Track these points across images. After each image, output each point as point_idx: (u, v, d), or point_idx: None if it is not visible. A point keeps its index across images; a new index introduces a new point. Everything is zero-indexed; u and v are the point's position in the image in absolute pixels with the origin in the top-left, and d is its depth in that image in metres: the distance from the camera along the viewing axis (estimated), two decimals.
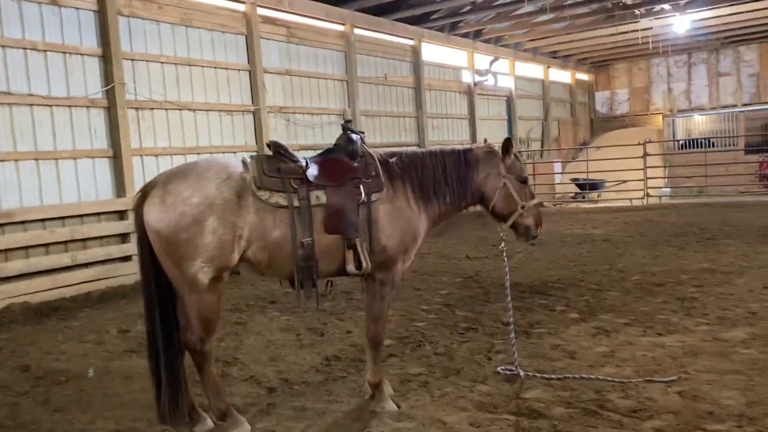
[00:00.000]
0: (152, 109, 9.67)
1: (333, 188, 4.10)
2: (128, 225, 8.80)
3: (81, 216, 8.61)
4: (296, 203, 3.98)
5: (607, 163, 18.66)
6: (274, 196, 3.96)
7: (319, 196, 4.06)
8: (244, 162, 4.05)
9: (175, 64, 10.05)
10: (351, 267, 4.11)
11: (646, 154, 17.28)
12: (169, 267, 3.87)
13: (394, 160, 4.39)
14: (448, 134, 16.85)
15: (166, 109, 9.84)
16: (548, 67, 22.86)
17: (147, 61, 9.63)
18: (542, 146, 22.35)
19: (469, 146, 4.67)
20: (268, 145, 4.19)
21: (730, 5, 16.58)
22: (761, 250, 9.45)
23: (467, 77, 18.05)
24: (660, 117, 25.11)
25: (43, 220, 8.23)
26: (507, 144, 4.53)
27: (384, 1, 13.67)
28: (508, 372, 4.88)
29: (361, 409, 4.36)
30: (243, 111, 11.18)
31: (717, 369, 4.75)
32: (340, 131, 4.44)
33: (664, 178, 19.74)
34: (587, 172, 20.06)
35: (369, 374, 4.39)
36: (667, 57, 25.08)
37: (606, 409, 4.15)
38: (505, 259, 4.90)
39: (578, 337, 5.79)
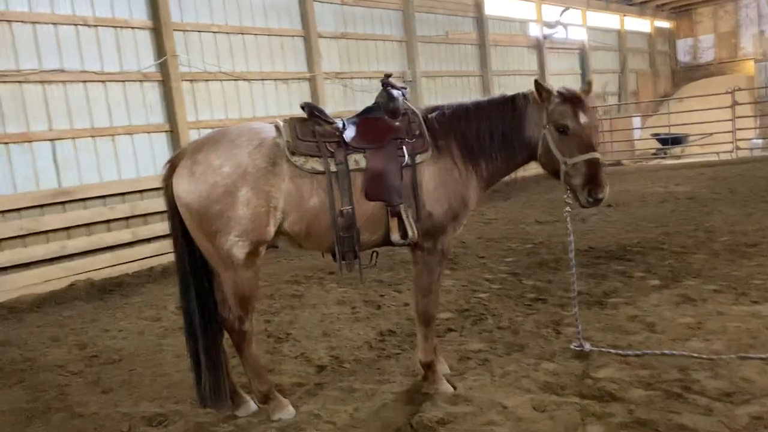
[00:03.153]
0: (207, 80, 9.49)
1: (373, 150, 3.70)
2: None
3: (140, 191, 8.58)
4: (333, 168, 3.61)
5: (691, 115, 17.37)
6: (310, 162, 3.60)
7: (358, 160, 3.67)
8: (277, 127, 3.71)
9: (228, 33, 9.81)
10: (396, 236, 3.72)
11: (734, 104, 15.92)
12: (203, 242, 3.60)
13: (434, 115, 3.92)
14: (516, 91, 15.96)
15: (220, 80, 9.65)
16: (624, 15, 21.40)
17: (199, 31, 9.44)
18: (619, 100, 21.07)
19: (515, 93, 4.08)
20: (302, 107, 3.81)
21: None
22: None
23: (535, 30, 17.07)
24: (750, 63, 23.16)
25: (103, 196, 8.23)
26: (538, 87, 3.82)
27: None
28: (578, 348, 4.40)
29: (414, 391, 4.01)
30: (299, 78, 10.88)
31: None
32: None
33: (756, 128, 18.22)
34: (669, 126, 18.76)
35: (420, 353, 4.02)
36: None
37: (692, 391, 3.64)
38: (569, 224, 4.30)
39: (659, 306, 5.21)
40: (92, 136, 8.19)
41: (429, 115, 3.91)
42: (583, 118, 3.79)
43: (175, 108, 8.88)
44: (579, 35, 18.97)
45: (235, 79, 9.85)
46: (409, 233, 3.68)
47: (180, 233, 3.66)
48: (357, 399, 3.99)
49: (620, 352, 4.29)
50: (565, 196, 4.04)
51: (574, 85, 14.82)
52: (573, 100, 3.81)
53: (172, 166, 3.63)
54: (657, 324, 4.80)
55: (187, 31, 9.27)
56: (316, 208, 3.61)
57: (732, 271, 5.97)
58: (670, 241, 7.56)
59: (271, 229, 3.59)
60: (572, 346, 4.43)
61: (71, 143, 8.00)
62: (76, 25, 8.05)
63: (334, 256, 3.78)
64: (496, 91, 15.10)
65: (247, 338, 3.74)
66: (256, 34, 10.21)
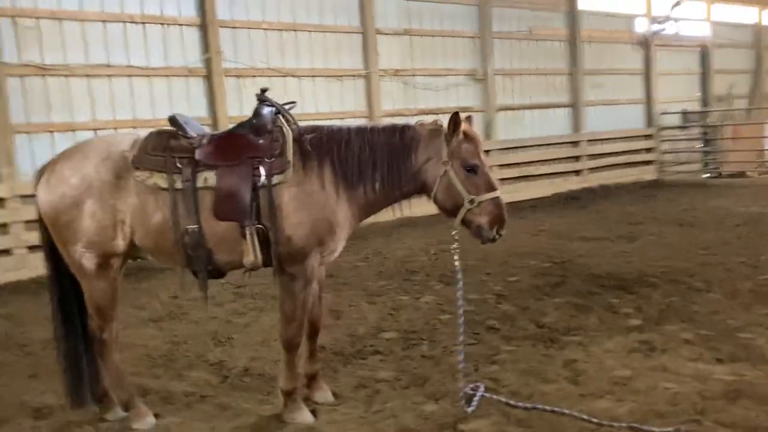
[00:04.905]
0: (254, 76, 9.74)
1: (225, 168, 3.60)
2: None
3: None
4: (179, 185, 3.57)
5: None
6: (154, 177, 3.58)
7: (207, 178, 3.59)
8: (136, 140, 3.73)
9: (279, 30, 10.00)
10: (248, 259, 3.60)
11: None
12: (62, 250, 3.72)
13: (310, 136, 3.74)
14: (613, 93, 14.87)
15: (268, 77, 9.86)
16: (763, 8, 19.08)
17: (248, 28, 9.70)
18: (749, 104, 18.90)
19: (410, 123, 3.84)
20: (169, 119, 3.79)
21: None
22: None
23: (642, 26, 15.71)
24: None
25: None
26: (453, 120, 3.64)
27: None
28: (471, 392, 4.04)
29: (276, 417, 3.89)
30: (354, 76, 10.85)
31: (744, 422, 3.46)
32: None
33: None
34: None
35: (281, 380, 3.88)
36: None
37: None
38: (457, 263, 3.96)
39: (610, 353, 4.65)
40: (134, 127, 8.71)
41: (304, 136, 3.74)
42: (483, 156, 3.73)
43: (216, 103, 9.22)
44: (700, 31, 17.20)
45: (283, 76, 10.02)
46: (250, 258, 3.55)
47: (46, 240, 3.78)
48: (223, 417, 3.95)
49: (511, 402, 3.88)
50: (455, 233, 3.77)
51: (688, 86, 13.73)
52: (474, 138, 3.72)
53: (39, 174, 3.77)
54: (585, 374, 4.29)
55: (236, 27, 9.56)
56: (159, 224, 3.59)
57: (728, 318, 5.19)
58: (701, 272, 6.72)
59: (120, 242, 3.63)
60: (467, 389, 4.07)
61: (113, 132, 8.58)
62: (123, 22, 8.59)
63: (194, 273, 3.75)
64: (588, 92, 14.22)
65: (107, 346, 3.82)
66: (309, 31, 10.32)
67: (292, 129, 3.75)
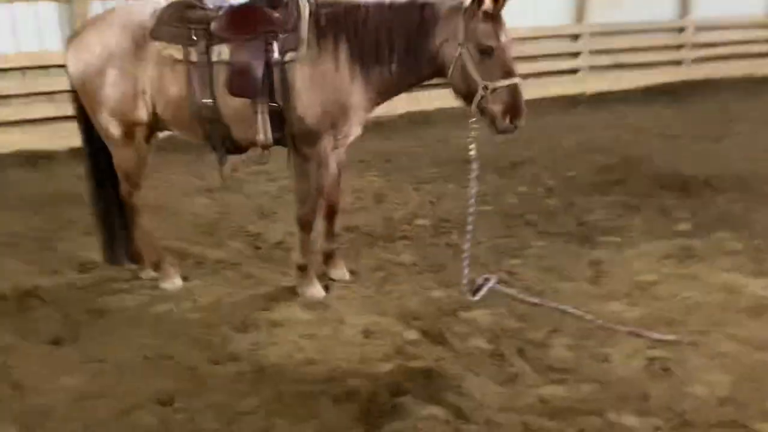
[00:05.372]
0: None
1: (239, 43, 3.55)
2: None
3: None
4: (194, 58, 3.57)
5: None
6: (169, 48, 3.60)
7: (221, 52, 3.57)
8: (156, 9, 3.72)
9: None
10: (261, 136, 3.62)
11: None
12: (91, 118, 3.88)
13: (326, 11, 3.58)
14: None
15: None
16: None
17: None
18: None
19: (424, 1, 3.56)
20: None
21: None
22: None
23: None
24: None
25: None
26: None
27: None
28: (483, 281, 4.03)
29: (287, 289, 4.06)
30: None
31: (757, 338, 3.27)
32: None
33: None
34: None
35: (295, 255, 4.00)
36: None
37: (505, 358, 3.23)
38: (473, 153, 3.79)
39: (643, 256, 4.48)
40: None
41: (321, 11, 3.60)
42: (504, 38, 3.43)
43: None
44: None
45: None
46: (260, 136, 3.57)
47: (79, 108, 3.94)
48: (243, 285, 4.17)
49: (518, 296, 3.85)
50: (472, 120, 3.61)
51: None
52: (495, 17, 3.41)
53: (68, 43, 3.87)
54: (608, 275, 4.18)
55: None
56: (176, 97, 3.65)
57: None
58: None
59: (142, 112, 3.73)
60: (478, 279, 4.06)
61: None
62: None
63: (212, 147, 3.84)
64: None
65: (136, 210, 4.05)
66: None
67: (309, 3, 3.62)
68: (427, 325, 3.56)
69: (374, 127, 8.80)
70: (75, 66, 3.74)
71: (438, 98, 9.96)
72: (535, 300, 3.78)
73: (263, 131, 3.57)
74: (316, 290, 3.95)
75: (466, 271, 3.86)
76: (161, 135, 4.20)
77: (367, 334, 3.49)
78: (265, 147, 3.66)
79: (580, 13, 11.55)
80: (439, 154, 7.73)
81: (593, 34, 11.78)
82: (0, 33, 7.09)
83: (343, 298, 3.93)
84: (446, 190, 6.19)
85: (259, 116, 3.55)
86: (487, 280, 4.04)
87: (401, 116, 9.61)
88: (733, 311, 3.59)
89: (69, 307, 3.87)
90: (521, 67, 11.81)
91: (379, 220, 5.35)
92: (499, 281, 4.05)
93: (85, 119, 3.93)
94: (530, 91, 10.61)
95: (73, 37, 3.86)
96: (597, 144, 7.99)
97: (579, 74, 11.65)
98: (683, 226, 5.02)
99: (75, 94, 3.88)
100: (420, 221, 5.33)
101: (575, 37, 11.61)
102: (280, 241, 4.88)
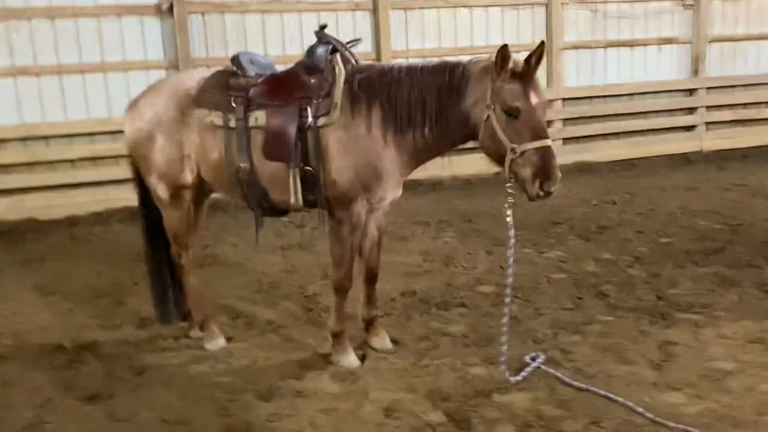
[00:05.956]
0: (422, 8, 9.48)
1: (275, 108, 3.59)
2: None
3: None
4: (233, 124, 3.65)
5: None
6: (211, 115, 3.70)
7: (258, 117, 3.62)
8: (201, 78, 3.85)
9: None
10: (291, 200, 3.61)
11: None
12: (144, 180, 4.05)
13: (360, 76, 3.55)
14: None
15: (437, 8, 9.54)
16: None
17: None
18: None
19: (466, 60, 3.43)
20: (231, 59, 3.86)
21: None
22: None
23: None
24: None
25: None
26: (501, 55, 3.19)
27: None
28: (529, 359, 3.70)
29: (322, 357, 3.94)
30: (532, 4, 10.04)
31: None
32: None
33: None
34: None
35: (330, 322, 3.89)
36: None
37: None
38: (509, 218, 3.51)
39: (723, 339, 3.95)
40: None
41: (355, 76, 3.57)
42: (534, 99, 3.25)
43: (381, 37, 9.18)
44: None
45: (453, 7, 9.62)
46: (292, 200, 3.55)
47: (135, 171, 4.13)
48: (283, 349, 4.11)
49: (565, 378, 3.48)
50: (508, 185, 3.39)
51: None
52: (524, 76, 3.24)
53: (127, 109, 4.09)
54: (675, 360, 3.70)
55: None
56: (217, 161, 3.73)
57: None
58: None
59: (188, 176, 3.85)
60: (526, 357, 3.73)
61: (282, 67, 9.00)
62: None
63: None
64: None
65: (185, 270, 4.15)
66: None
67: (346, 69, 3.60)
68: (455, 406, 3.29)
69: (461, 186, 8.73)
70: (129, 131, 3.95)
71: None
72: (582, 385, 3.39)
73: (294, 194, 3.55)
74: (350, 359, 3.81)
75: (504, 348, 3.55)
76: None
77: (388, 412, 3.28)
78: (297, 210, 3.64)
79: (696, 66, 10.86)
80: (524, 216, 7.37)
81: (710, 89, 11.01)
82: (117, 97, 7.73)
83: (375, 370, 3.74)
84: (522, 255, 5.85)
85: (291, 179, 3.54)
86: (534, 358, 3.70)
87: (497, 174, 9.40)
88: None
89: (115, 363, 3.99)
90: (635, 124, 11.42)
91: (440, 285, 5.14)
92: (547, 360, 3.69)
93: (140, 182, 4.11)
94: (643, 149, 10.28)
95: (129, 104, 4.08)
96: (704, 207, 7.34)
97: (695, 131, 10.88)
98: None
99: (131, 158, 4.07)
100: (483, 288, 5.06)
101: (691, 92, 10.90)
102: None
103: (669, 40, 10.65)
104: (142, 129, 3.86)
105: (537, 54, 3.19)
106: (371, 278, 4.00)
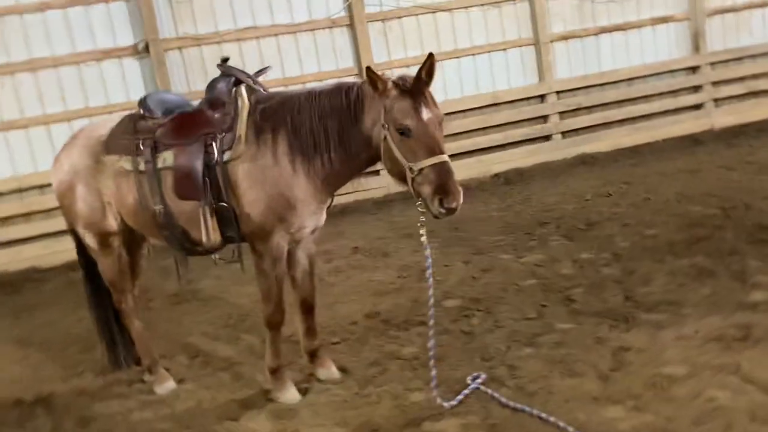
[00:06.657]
0: (400, 17, 9.36)
1: (181, 147, 3.54)
2: None
3: None
4: (142, 167, 3.60)
5: None
6: (121, 160, 3.67)
7: (166, 158, 3.57)
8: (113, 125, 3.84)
9: None
10: (203, 238, 3.54)
11: None
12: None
13: (263, 106, 3.46)
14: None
15: (416, 15, 9.40)
16: None
17: None
18: None
19: (357, 81, 3.34)
20: (138, 103, 3.81)
21: None
22: None
23: None
24: None
25: None
26: (370, 76, 3.12)
27: None
28: (470, 381, 3.53)
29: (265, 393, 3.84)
30: (513, 0, 9.81)
31: None
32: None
33: None
34: None
35: (267, 357, 3.79)
36: None
37: None
38: (424, 238, 3.36)
39: (682, 340, 3.70)
40: (284, 85, 9.03)
41: (258, 106, 3.49)
42: (426, 114, 3.13)
43: (361, 52, 9.09)
44: None
45: (432, 12, 9.47)
46: (203, 238, 3.48)
47: (70, 222, 4.13)
48: (230, 388, 4.03)
49: (502, 400, 3.30)
50: (418, 204, 3.24)
51: None
52: (413, 93, 3.13)
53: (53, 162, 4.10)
54: (626, 368, 3.48)
55: None
56: (133, 206, 3.69)
57: None
58: None
59: (112, 222, 3.83)
60: (468, 378, 3.56)
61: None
62: None
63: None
64: None
65: (125, 315, 4.12)
66: None
67: (250, 100, 3.52)
68: None
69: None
70: (54, 183, 3.97)
71: (537, 152, 9.58)
72: (518, 406, 3.21)
73: (205, 232, 3.48)
74: (289, 395, 3.71)
75: (433, 372, 3.39)
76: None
77: None
78: (214, 248, 3.57)
79: (697, 43, 10.45)
80: (512, 219, 7.16)
81: (715, 64, 10.56)
82: None
83: (312, 405, 3.63)
84: (498, 262, 5.66)
85: (201, 218, 3.47)
86: (475, 378, 3.53)
87: (495, 176, 9.20)
88: (760, 422, 2.76)
89: (64, 417, 3.97)
90: (638, 109, 11.04)
91: (406, 303, 4.99)
92: (490, 379, 3.52)
93: (75, 232, 4.10)
94: (649, 133, 9.90)
95: (55, 157, 4.09)
96: (702, 190, 6.99)
97: (703, 109, 10.44)
98: (758, 296, 4.11)
99: (62, 209, 4.08)
100: (449, 302, 4.90)
101: (694, 69, 10.47)
102: (291, 335, 4.70)
103: (664, 19, 10.28)
104: (63, 180, 3.87)
105: (426, 67, 3.06)
106: (307, 308, 3.90)
